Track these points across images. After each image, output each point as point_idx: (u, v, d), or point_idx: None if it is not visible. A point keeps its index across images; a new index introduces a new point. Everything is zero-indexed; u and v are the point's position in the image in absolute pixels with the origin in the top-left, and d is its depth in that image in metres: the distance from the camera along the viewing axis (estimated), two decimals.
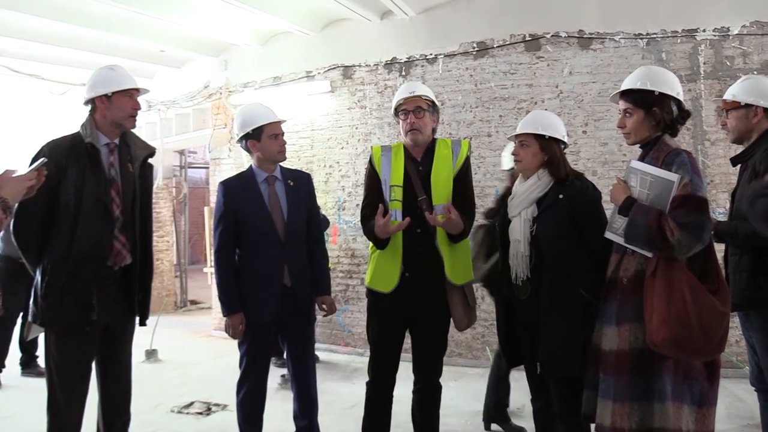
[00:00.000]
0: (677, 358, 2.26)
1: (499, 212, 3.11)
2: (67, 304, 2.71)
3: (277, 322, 3.22)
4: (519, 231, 2.82)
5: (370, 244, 3.17)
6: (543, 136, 2.84)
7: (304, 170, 3.76)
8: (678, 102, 2.47)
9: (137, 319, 3.03)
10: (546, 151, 2.84)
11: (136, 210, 2.93)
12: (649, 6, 5.52)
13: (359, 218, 3.23)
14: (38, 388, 3.07)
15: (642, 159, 2.48)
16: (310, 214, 3.39)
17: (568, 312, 2.65)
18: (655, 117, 2.45)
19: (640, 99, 2.47)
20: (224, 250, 3.24)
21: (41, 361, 5.24)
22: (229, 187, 3.27)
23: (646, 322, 2.26)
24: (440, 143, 3.14)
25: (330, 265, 5.06)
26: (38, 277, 2.76)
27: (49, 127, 5.45)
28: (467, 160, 3.13)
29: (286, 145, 3.29)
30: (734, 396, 4.60)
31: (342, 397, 4.83)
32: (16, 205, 2.37)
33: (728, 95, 2.99)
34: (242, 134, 3.22)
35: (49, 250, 2.73)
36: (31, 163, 2.67)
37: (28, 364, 5.56)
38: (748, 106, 2.89)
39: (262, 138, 3.19)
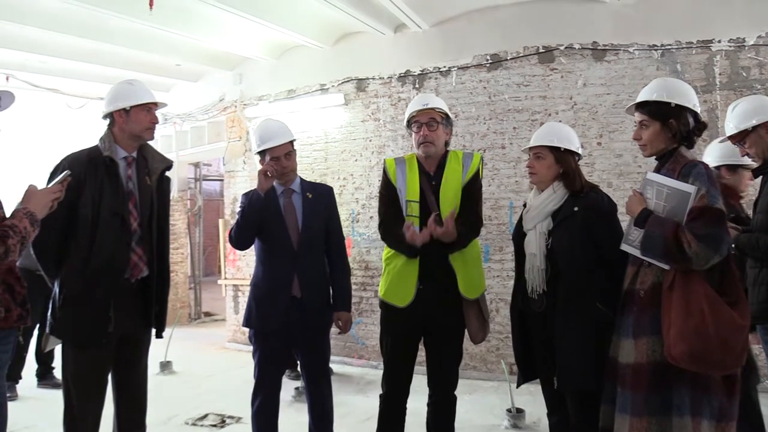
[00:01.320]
0: (696, 371, 2.23)
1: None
2: (84, 316, 2.73)
3: (285, 332, 3.22)
4: (535, 244, 2.80)
5: (384, 256, 3.18)
6: (558, 148, 2.83)
7: (322, 183, 3.77)
8: (694, 114, 2.46)
9: (153, 331, 3.05)
10: (561, 164, 2.84)
11: (153, 223, 2.96)
12: (663, 17, 5.50)
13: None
14: (55, 399, 3.09)
15: (658, 171, 2.47)
16: (331, 227, 3.40)
17: (585, 325, 2.63)
18: (671, 129, 2.44)
19: (656, 111, 2.46)
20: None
21: (58, 373, 5.28)
22: (250, 197, 3.29)
23: (664, 335, 2.24)
24: (452, 156, 3.14)
25: None
26: (56, 288, 2.79)
27: (67, 140, 5.51)
28: (477, 173, 3.12)
29: (294, 164, 3.32)
30: None
31: (356, 409, 4.82)
32: None
33: (729, 130, 2.96)
34: (255, 152, 3.31)
35: (66, 263, 2.76)
36: (51, 177, 2.73)
37: (44, 376, 5.59)
38: (755, 128, 2.86)
39: (267, 160, 3.24)
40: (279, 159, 3.23)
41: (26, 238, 2.24)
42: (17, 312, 2.39)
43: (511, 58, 5.97)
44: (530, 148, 2.91)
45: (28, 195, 2.35)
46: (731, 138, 2.99)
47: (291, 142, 3.29)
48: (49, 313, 2.81)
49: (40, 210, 2.34)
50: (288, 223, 3.25)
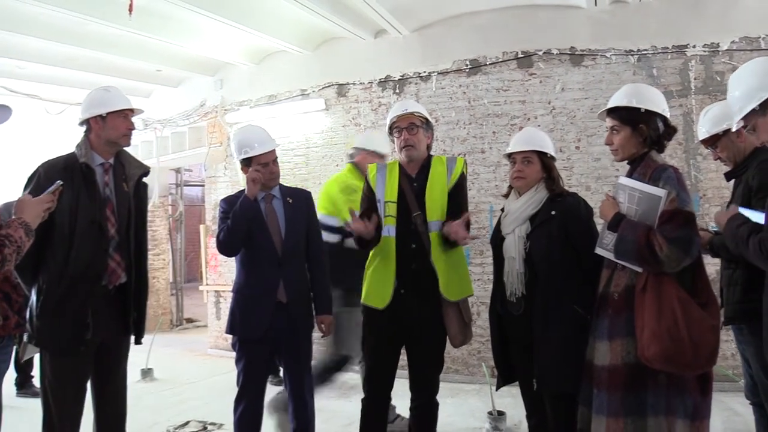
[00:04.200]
0: (669, 372, 2.27)
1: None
2: (61, 323, 2.71)
3: (271, 338, 3.22)
4: (513, 248, 2.83)
5: (367, 260, 3.19)
6: (546, 153, 2.88)
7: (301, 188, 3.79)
8: (664, 118, 2.51)
9: (132, 338, 3.03)
10: (546, 168, 2.88)
11: (131, 229, 2.94)
12: (639, 23, 5.58)
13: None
14: (34, 408, 3.06)
15: (630, 175, 2.52)
16: (311, 232, 3.42)
17: (563, 328, 2.66)
18: (641, 133, 2.48)
19: (626, 116, 2.51)
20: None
21: (37, 381, 5.23)
22: (230, 202, 3.29)
23: (638, 336, 2.28)
24: (436, 160, 3.17)
25: None
26: (33, 296, 2.76)
27: (46, 146, 5.45)
28: (462, 176, 3.15)
29: (277, 170, 3.32)
30: (731, 410, 4.59)
31: (338, 414, 4.81)
32: None
33: (702, 134, 3.03)
34: (236, 159, 3.32)
35: (43, 270, 2.74)
36: (27, 184, 2.72)
37: (23, 384, 5.53)
38: (726, 132, 2.91)
39: (253, 167, 3.23)
40: (267, 165, 3.24)
41: (22, 248, 2.24)
42: (15, 320, 2.40)
43: (490, 63, 6.03)
44: (517, 153, 2.91)
45: (21, 205, 2.36)
46: (703, 142, 3.05)
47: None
48: (26, 322, 2.79)
49: (33, 220, 2.35)
50: (271, 228, 3.26)
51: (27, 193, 2.66)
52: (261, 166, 3.22)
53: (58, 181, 2.52)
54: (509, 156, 2.95)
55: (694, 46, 5.44)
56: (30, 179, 2.77)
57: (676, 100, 5.37)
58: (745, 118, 2.10)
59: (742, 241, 2.10)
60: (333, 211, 4.16)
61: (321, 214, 3.89)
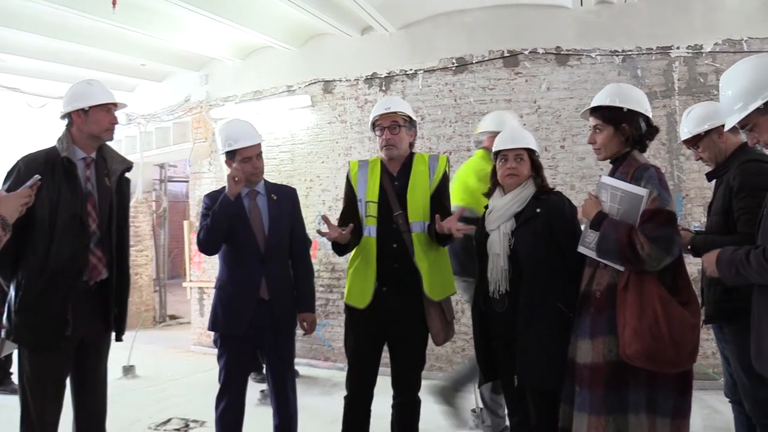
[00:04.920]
0: (650, 370, 2.29)
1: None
2: (41, 319, 2.68)
3: (253, 335, 3.21)
4: (498, 245, 2.83)
5: (349, 259, 3.19)
6: (534, 151, 2.91)
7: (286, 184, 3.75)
8: (646, 118, 2.52)
9: (113, 334, 3.00)
10: (535, 166, 2.90)
11: (113, 224, 2.91)
12: (624, 24, 5.62)
13: None
14: (12, 405, 3.03)
15: (612, 174, 2.53)
16: (295, 229, 3.39)
17: (547, 325, 2.67)
18: (624, 133, 2.50)
19: (609, 115, 2.52)
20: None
21: (15, 378, 5.16)
22: (214, 198, 3.27)
23: (619, 335, 2.29)
24: (417, 158, 3.16)
25: None
26: (12, 292, 2.73)
27: (28, 140, 5.39)
28: (445, 175, 3.15)
29: (262, 165, 3.30)
30: (710, 407, 4.65)
31: (322, 412, 4.80)
32: None
33: (684, 134, 3.04)
34: (221, 152, 3.27)
35: (23, 265, 2.70)
36: (6, 178, 2.69)
37: (2, 381, 5.46)
38: (708, 132, 2.94)
39: (236, 161, 3.20)
40: (251, 159, 3.21)
41: None
42: None
43: (476, 62, 6.04)
44: (509, 150, 2.88)
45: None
46: (685, 142, 3.07)
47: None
48: (4, 317, 2.75)
49: (11, 215, 2.33)
50: (254, 226, 3.23)
51: (7, 186, 2.63)
52: (245, 160, 3.19)
53: (35, 176, 2.49)
54: (498, 153, 2.94)
55: (678, 48, 5.49)
56: (10, 173, 2.73)
57: (659, 100, 5.42)
58: (744, 117, 2.08)
59: (743, 263, 2.05)
60: (472, 202, 3.74)
61: (459, 205, 3.50)
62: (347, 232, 2.96)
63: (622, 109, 2.49)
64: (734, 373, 2.87)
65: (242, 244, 3.21)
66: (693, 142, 3.02)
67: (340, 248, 3.09)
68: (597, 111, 2.57)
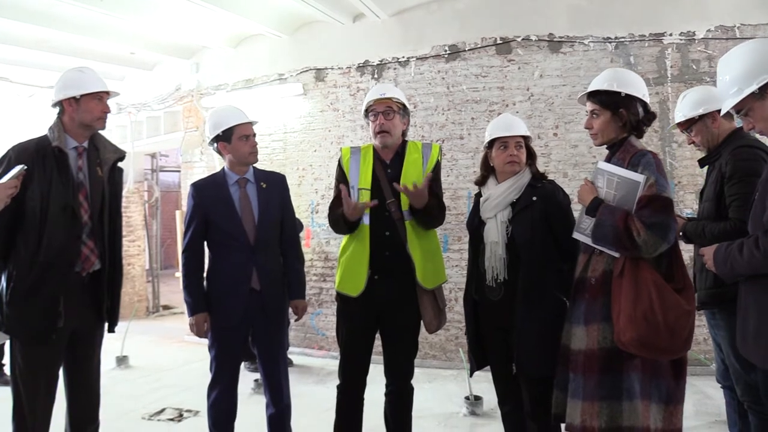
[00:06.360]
0: (645, 356, 2.29)
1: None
2: (32, 311, 2.65)
3: (245, 325, 3.20)
4: (496, 233, 2.83)
5: (341, 248, 3.17)
6: (528, 137, 2.92)
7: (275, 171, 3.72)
8: (644, 104, 2.51)
9: (106, 325, 2.98)
10: (530, 154, 2.93)
11: (105, 215, 2.88)
12: (617, 10, 5.61)
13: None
14: (4, 396, 3.01)
15: (608, 160, 2.52)
16: (285, 217, 3.36)
17: (544, 313, 2.69)
18: (621, 118, 2.48)
19: (606, 100, 2.50)
20: (192, 251, 3.26)
21: (7, 370, 5.14)
22: (199, 188, 3.24)
23: (614, 321, 2.29)
24: (411, 146, 3.15)
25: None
26: (3, 283, 2.70)
27: (16, 130, 5.34)
28: (438, 164, 3.15)
29: (257, 147, 3.27)
30: (702, 393, 4.69)
31: (316, 400, 4.81)
32: None
33: (678, 117, 3.05)
34: (213, 136, 3.21)
35: (14, 256, 2.67)
36: None
37: None
38: (702, 117, 2.94)
39: (233, 139, 3.16)
40: (249, 138, 3.19)
41: None
42: None
43: (469, 49, 6.01)
44: (510, 138, 2.88)
45: None
46: (679, 125, 3.08)
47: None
48: None
49: None
50: (244, 215, 3.19)
51: None
52: (242, 138, 3.16)
53: (21, 166, 2.46)
54: (494, 141, 2.92)
55: (670, 35, 5.49)
56: (0, 162, 2.69)
57: (652, 87, 5.42)
58: (739, 101, 2.07)
59: (734, 257, 2.07)
60: None
61: None
62: (370, 204, 2.94)
63: (619, 93, 2.47)
64: (726, 358, 2.89)
65: (232, 235, 3.17)
66: (686, 125, 3.03)
67: (349, 225, 3.03)
68: (594, 95, 2.55)
